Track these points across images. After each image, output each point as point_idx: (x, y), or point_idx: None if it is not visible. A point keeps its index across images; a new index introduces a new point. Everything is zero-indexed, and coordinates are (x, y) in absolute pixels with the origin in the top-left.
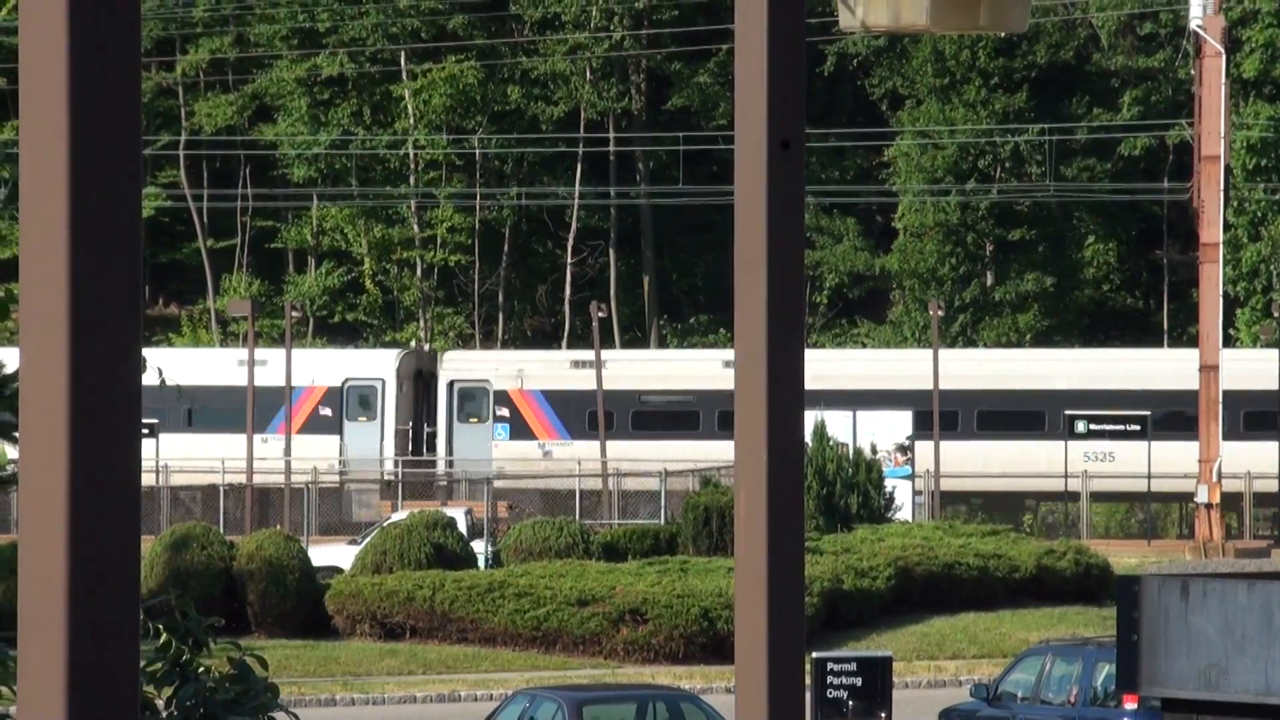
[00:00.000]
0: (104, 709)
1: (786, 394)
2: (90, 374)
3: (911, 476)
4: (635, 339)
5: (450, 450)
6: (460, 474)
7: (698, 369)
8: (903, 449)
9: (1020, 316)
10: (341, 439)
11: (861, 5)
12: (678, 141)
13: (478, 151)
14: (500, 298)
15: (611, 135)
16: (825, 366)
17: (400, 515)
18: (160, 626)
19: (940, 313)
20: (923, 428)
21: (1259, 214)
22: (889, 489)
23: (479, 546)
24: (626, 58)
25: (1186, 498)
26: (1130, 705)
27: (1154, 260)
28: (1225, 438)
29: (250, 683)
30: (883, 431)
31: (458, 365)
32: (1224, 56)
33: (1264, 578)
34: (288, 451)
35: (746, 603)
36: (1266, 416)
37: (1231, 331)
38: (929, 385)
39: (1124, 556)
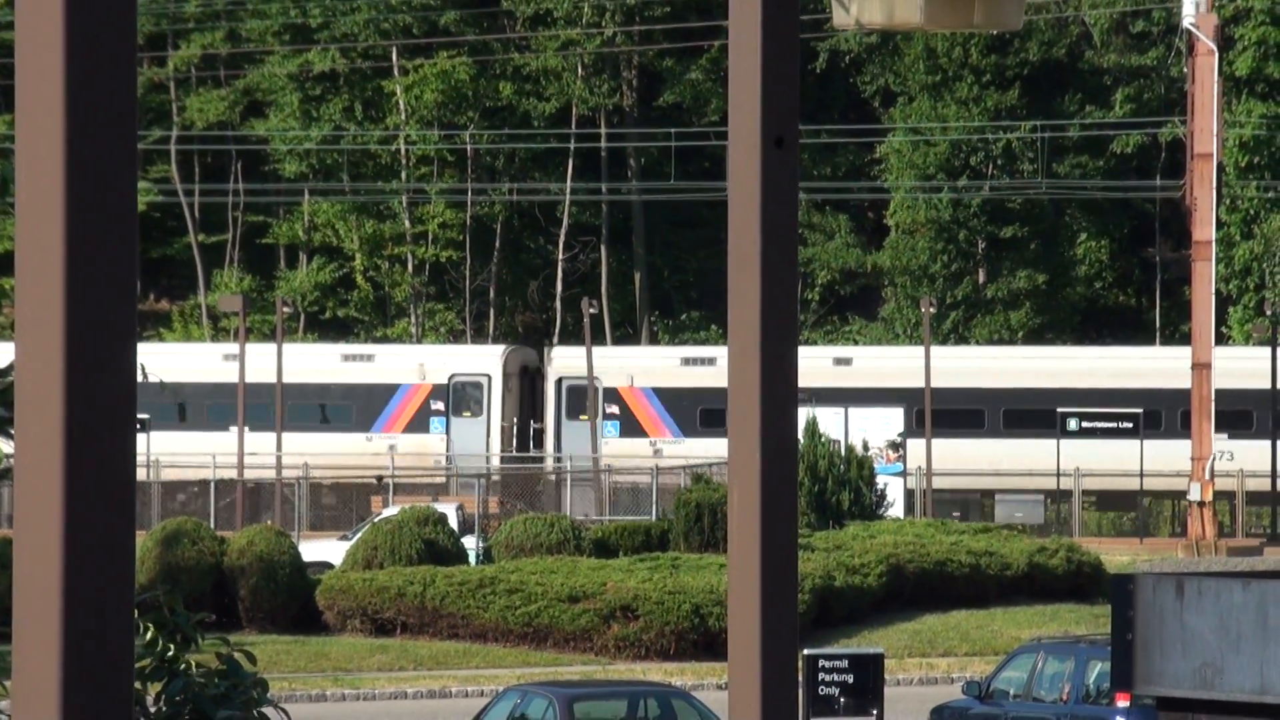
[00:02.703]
0: (99, 704)
1: (779, 391)
2: (85, 369)
3: (903, 474)
4: (626, 335)
5: (559, 447)
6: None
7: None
8: (894, 446)
9: (1012, 314)
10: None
11: (855, 2)
12: (670, 138)
13: (469, 147)
14: (492, 293)
15: (603, 131)
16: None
17: (391, 511)
18: (149, 622)
19: (932, 310)
20: (915, 425)
21: (1251, 212)
22: (880, 486)
23: (470, 542)
24: (618, 54)
25: (1178, 496)
26: (1122, 703)
27: (1146, 258)
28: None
29: (239, 677)
30: (874, 428)
31: (567, 362)
32: (1217, 54)
33: (1259, 576)
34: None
35: (739, 599)
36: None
37: (1224, 329)
38: (921, 383)
39: (1116, 555)
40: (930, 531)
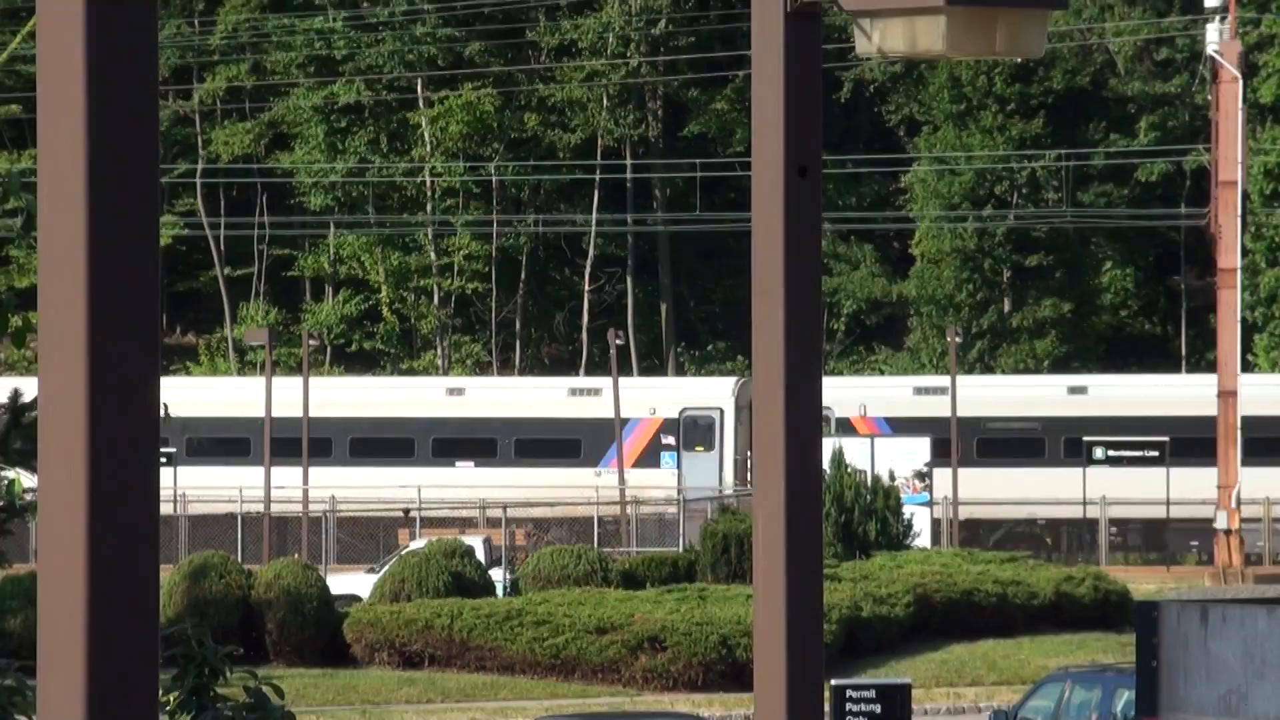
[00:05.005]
0: None
1: (804, 420)
2: (109, 403)
3: (930, 503)
4: (653, 366)
5: None
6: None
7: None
8: (920, 476)
9: (1038, 343)
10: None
11: (878, 31)
12: (695, 168)
13: (494, 179)
14: (517, 325)
15: (628, 162)
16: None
17: (418, 543)
18: (178, 656)
19: (958, 339)
20: (941, 454)
21: (1277, 239)
22: (907, 516)
23: (497, 574)
24: (643, 84)
25: (1205, 524)
26: None
27: (1172, 286)
28: (1244, 463)
29: (267, 711)
30: (900, 458)
31: None
32: (1241, 81)
33: None
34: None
35: (765, 630)
36: None
37: (1250, 357)
38: (947, 412)
39: (1143, 583)
40: (957, 561)
